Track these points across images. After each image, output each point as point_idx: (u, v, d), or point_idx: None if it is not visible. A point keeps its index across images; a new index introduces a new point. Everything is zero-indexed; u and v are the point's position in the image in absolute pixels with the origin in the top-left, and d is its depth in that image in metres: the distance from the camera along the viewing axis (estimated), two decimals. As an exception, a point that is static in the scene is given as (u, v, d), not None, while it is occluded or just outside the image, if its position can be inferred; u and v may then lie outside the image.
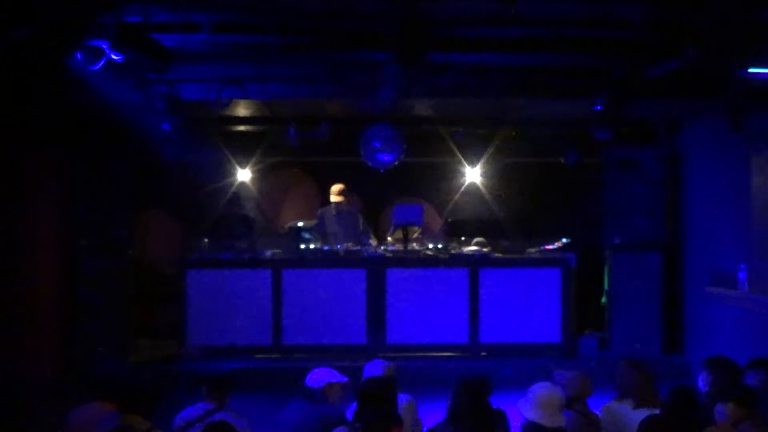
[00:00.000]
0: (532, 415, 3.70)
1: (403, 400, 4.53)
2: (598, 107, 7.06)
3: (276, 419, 4.53)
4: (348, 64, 6.64)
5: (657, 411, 3.96)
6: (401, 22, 5.48)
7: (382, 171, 8.76)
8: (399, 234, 8.64)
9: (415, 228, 8.67)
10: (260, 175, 9.72)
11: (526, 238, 8.91)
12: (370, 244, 8.58)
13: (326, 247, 8.41)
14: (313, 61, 6.61)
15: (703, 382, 4.47)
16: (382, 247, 8.58)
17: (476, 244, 8.66)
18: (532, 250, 8.68)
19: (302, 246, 8.41)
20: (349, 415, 4.24)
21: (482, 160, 9.32)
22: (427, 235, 8.93)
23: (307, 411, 4.39)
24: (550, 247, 8.66)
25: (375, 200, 9.59)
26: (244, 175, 9.55)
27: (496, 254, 8.55)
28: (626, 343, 8.49)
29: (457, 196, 9.82)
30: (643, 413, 3.86)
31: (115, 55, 5.20)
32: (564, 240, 8.68)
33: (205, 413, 4.26)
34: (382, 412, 3.65)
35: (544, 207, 9.55)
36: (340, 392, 4.52)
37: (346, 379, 4.55)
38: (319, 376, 4.51)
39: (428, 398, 5.37)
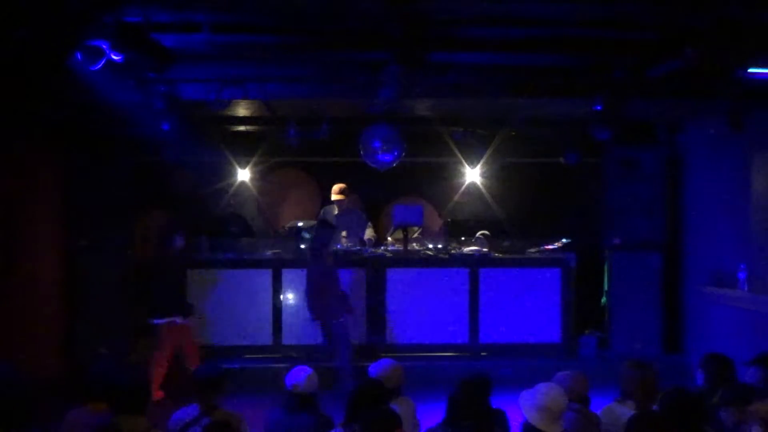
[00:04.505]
0: (534, 418, 3.66)
1: (402, 401, 4.53)
2: (598, 107, 7.06)
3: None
4: (348, 64, 6.64)
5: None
6: (401, 22, 5.48)
7: (382, 171, 8.75)
8: (399, 234, 8.64)
9: (415, 228, 8.67)
10: (260, 175, 9.72)
11: (526, 238, 8.92)
12: (364, 240, 8.57)
13: (326, 247, 8.40)
14: (313, 61, 6.61)
15: (700, 380, 4.53)
16: (382, 247, 8.58)
17: (481, 235, 8.69)
18: (532, 250, 8.68)
19: (302, 246, 8.41)
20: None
21: (482, 160, 9.31)
22: (427, 235, 8.93)
23: (291, 417, 4.36)
24: (550, 247, 8.67)
25: (375, 200, 9.59)
26: (244, 175, 9.55)
27: (496, 254, 8.56)
28: (626, 343, 8.50)
29: (457, 196, 9.81)
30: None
31: (115, 55, 5.19)
32: (564, 240, 8.69)
33: (200, 414, 4.23)
34: (383, 411, 3.64)
35: (544, 207, 9.54)
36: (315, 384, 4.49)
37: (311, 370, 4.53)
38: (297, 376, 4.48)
39: (428, 398, 5.37)
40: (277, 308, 8.29)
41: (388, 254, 8.43)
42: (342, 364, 7.25)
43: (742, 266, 7.37)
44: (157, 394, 6.96)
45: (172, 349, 7.19)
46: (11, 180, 7.93)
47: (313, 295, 7.41)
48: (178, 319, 7.19)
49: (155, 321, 7.21)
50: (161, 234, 7.46)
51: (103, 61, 5.27)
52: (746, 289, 7.33)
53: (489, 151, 9.14)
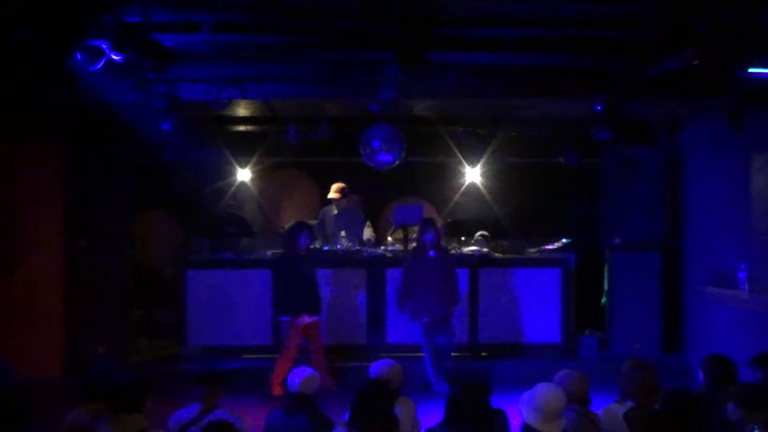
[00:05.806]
0: (533, 418, 3.65)
1: (402, 401, 4.53)
2: (598, 107, 7.06)
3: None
4: (348, 64, 6.64)
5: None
6: (401, 21, 5.48)
7: (382, 171, 8.75)
8: (399, 234, 8.64)
9: (415, 228, 8.66)
10: (260, 175, 9.72)
11: (526, 238, 8.91)
12: (364, 240, 8.56)
13: (326, 247, 8.41)
14: (313, 61, 6.61)
15: (701, 380, 4.53)
16: (382, 247, 8.58)
17: (481, 235, 8.69)
18: (532, 250, 8.68)
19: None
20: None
21: (482, 160, 9.30)
22: (427, 235, 8.91)
23: (288, 418, 4.36)
24: (550, 247, 8.67)
25: (375, 200, 9.59)
26: (244, 175, 9.54)
27: (496, 254, 8.56)
28: (626, 343, 8.49)
29: (457, 196, 9.81)
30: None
31: (115, 55, 5.19)
32: (564, 240, 8.69)
33: (199, 414, 4.23)
34: (379, 412, 3.63)
35: (544, 207, 9.55)
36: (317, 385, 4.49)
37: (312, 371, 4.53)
38: (298, 377, 4.47)
39: (428, 398, 5.38)
40: (277, 308, 8.29)
41: (388, 254, 8.42)
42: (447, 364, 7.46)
43: (742, 266, 7.36)
44: (277, 390, 7.11)
45: (297, 347, 7.36)
46: (11, 180, 7.95)
47: (427, 293, 7.50)
48: (307, 317, 7.34)
49: (282, 318, 7.43)
50: (289, 234, 7.61)
51: (103, 61, 5.28)
52: (746, 289, 7.32)
53: (489, 151, 9.14)
